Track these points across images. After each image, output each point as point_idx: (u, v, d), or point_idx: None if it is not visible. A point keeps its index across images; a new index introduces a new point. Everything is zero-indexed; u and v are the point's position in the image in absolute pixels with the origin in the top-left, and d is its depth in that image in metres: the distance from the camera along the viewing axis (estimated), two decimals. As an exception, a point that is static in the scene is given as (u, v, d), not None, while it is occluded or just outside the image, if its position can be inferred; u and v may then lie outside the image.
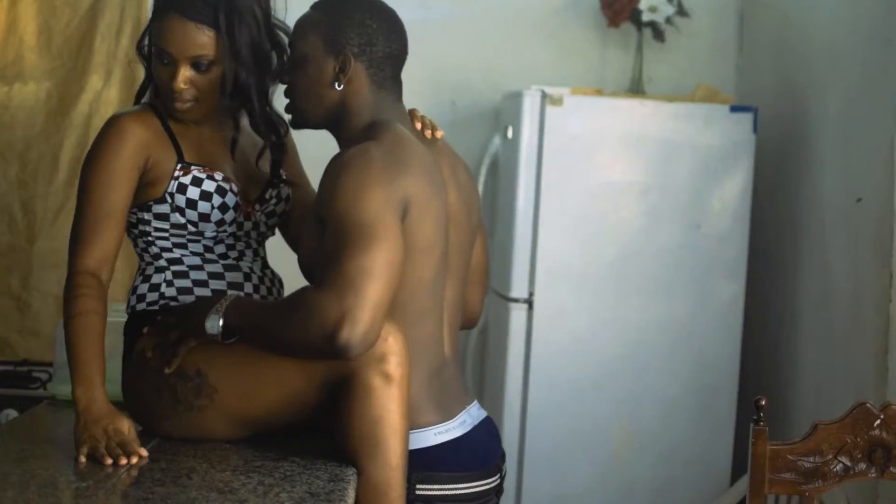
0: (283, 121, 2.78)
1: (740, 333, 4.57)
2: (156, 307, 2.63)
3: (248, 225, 2.73)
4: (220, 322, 2.43)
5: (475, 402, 2.74)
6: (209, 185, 2.63)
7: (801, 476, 2.71)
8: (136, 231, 2.69)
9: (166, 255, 2.66)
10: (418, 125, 2.74)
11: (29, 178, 4.74)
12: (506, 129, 4.71)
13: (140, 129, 2.62)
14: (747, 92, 5.04)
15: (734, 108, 4.52)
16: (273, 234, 2.86)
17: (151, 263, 2.67)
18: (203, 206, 2.63)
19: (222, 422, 2.49)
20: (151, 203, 2.63)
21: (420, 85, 5.06)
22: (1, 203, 4.89)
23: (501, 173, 4.83)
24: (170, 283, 2.64)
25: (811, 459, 2.71)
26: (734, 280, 4.55)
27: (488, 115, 5.12)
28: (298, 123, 2.71)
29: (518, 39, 5.15)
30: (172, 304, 2.62)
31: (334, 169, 2.44)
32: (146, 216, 2.65)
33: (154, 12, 2.67)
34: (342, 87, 2.61)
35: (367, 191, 2.37)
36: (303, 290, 2.37)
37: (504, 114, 4.88)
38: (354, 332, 2.27)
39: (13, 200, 4.85)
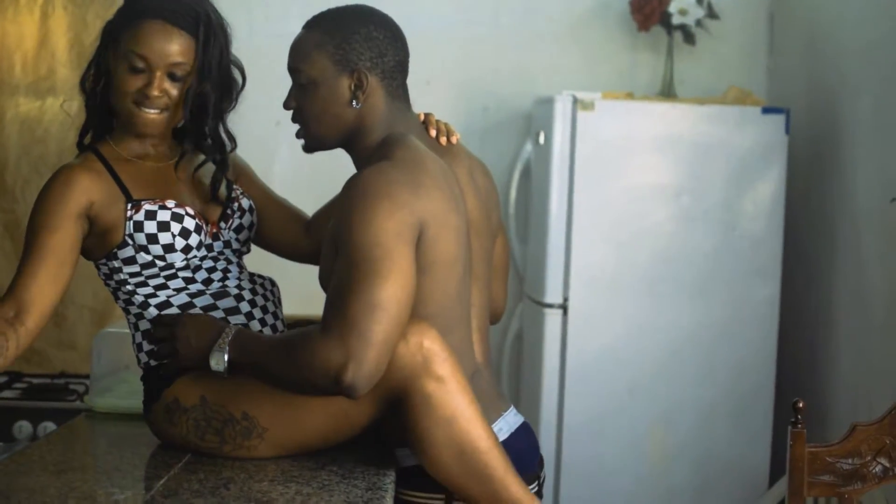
0: (234, 139, 2.78)
1: (776, 335, 4.55)
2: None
3: (218, 245, 2.70)
4: (226, 358, 2.43)
5: (511, 407, 2.73)
6: (164, 215, 2.60)
7: (840, 478, 2.71)
8: (113, 283, 2.66)
9: (152, 301, 2.61)
10: (433, 132, 2.72)
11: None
12: (538, 134, 4.71)
13: (82, 177, 2.58)
14: (779, 93, 5.03)
15: (766, 110, 4.51)
16: (248, 250, 2.83)
17: (142, 315, 2.62)
18: (164, 238, 2.59)
19: (271, 452, 2.49)
20: (115, 250, 2.60)
21: (452, 91, 5.12)
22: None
23: (534, 179, 4.83)
24: None
25: (850, 461, 2.70)
26: (769, 282, 4.53)
27: (520, 120, 5.12)
28: (313, 148, 2.67)
29: (549, 45, 5.15)
30: None
31: (349, 193, 2.40)
32: (116, 264, 2.61)
33: (126, 17, 2.63)
34: (360, 104, 2.57)
35: (378, 221, 2.33)
36: (307, 331, 2.35)
37: (536, 119, 4.88)
38: (359, 373, 2.26)
39: (48, 214, 4.87)
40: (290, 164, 5.01)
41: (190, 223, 2.62)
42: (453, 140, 2.74)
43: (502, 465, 2.39)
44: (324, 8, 2.66)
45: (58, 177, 2.59)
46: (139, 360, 2.65)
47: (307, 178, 4.82)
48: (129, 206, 2.59)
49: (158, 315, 2.60)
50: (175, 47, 2.60)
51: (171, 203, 2.62)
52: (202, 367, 2.47)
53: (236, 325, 2.55)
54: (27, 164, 4.91)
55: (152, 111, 2.62)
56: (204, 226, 2.66)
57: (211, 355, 2.44)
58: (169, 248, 2.60)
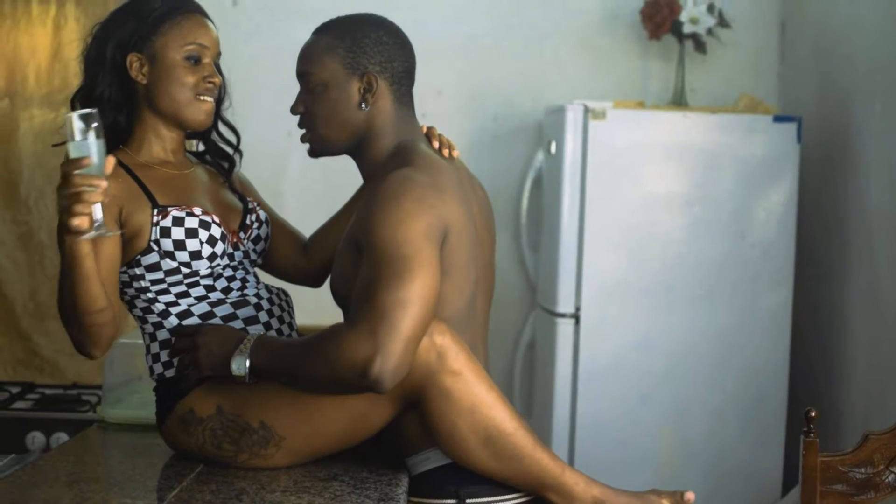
0: (237, 132, 2.86)
1: (788, 343, 4.54)
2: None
3: (238, 255, 2.71)
4: (248, 363, 2.43)
5: None
6: (191, 222, 2.60)
7: (853, 487, 2.70)
8: (131, 291, 2.63)
9: (174, 309, 2.60)
10: (436, 144, 2.73)
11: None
12: (549, 143, 4.71)
13: (110, 183, 2.51)
14: (790, 101, 5.02)
15: (777, 118, 4.50)
16: (261, 261, 2.84)
17: (161, 325, 2.61)
18: (192, 244, 2.58)
19: (287, 460, 2.50)
20: (139, 256, 2.59)
21: (462, 101, 5.12)
22: (49, 227, 4.93)
23: (545, 188, 4.83)
24: None
25: (862, 470, 2.69)
26: (781, 289, 4.53)
27: (531, 130, 5.12)
28: (319, 152, 2.68)
29: (559, 54, 5.16)
30: None
31: (376, 196, 2.43)
32: (138, 271, 2.60)
33: (161, 15, 2.65)
34: (368, 107, 2.60)
35: (407, 222, 2.37)
36: (332, 327, 2.36)
37: (547, 128, 4.88)
38: (386, 366, 2.26)
39: (62, 224, 4.89)
40: (302, 174, 5.02)
41: (217, 231, 2.63)
42: (454, 154, 2.75)
43: (530, 442, 2.44)
44: (334, 17, 2.68)
45: None
46: (152, 371, 2.64)
47: (318, 188, 4.84)
48: (156, 211, 2.58)
49: (179, 325, 2.60)
50: (216, 37, 2.70)
51: (198, 210, 2.62)
52: (223, 375, 2.47)
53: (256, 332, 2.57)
54: (41, 176, 4.93)
55: (210, 99, 2.68)
56: (228, 235, 2.68)
57: (232, 360, 2.44)
58: (196, 255, 2.60)
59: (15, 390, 4.20)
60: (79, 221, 2.26)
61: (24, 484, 2.38)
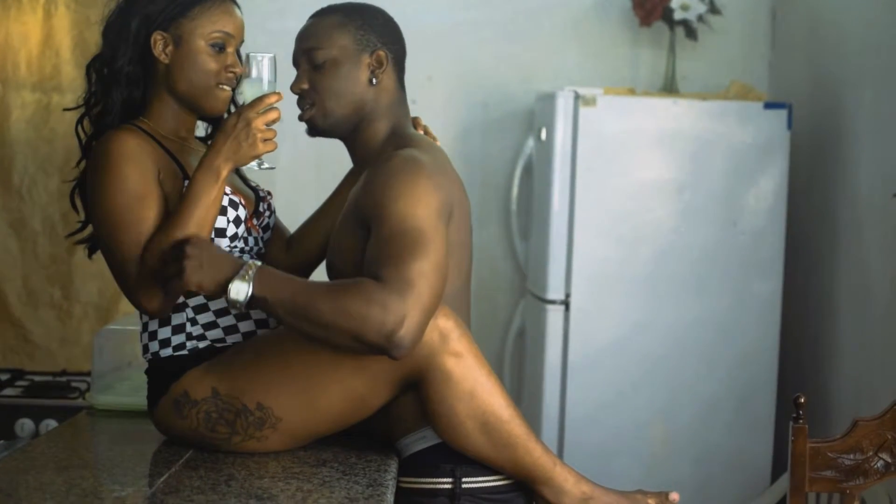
0: None
1: (778, 331, 4.55)
2: (184, 352, 2.55)
3: (251, 240, 2.68)
4: (249, 291, 2.35)
5: None
6: (223, 200, 2.56)
7: (842, 474, 2.70)
8: None
9: None
10: (420, 131, 2.77)
11: (68, 190, 4.78)
12: (539, 130, 4.72)
13: (144, 143, 2.53)
14: (781, 88, 5.03)
15: (768, 105, 4.50)
16: (264, 251, 2.78)
17: None
18: (220, 221, 2.55)
19: (280, 442, 2.50)
20: None
21: (452, 87, 5.13)
22: (42, 214, 4.93)
23: (536, 175, 4.83)
24: (193, 322, 2.56)
25: (851, 457, 2.70)
26: (771, 277, 4.53)
27: (521, 116, 5.12)
28: (320, 129, 2.68)
29: (550, 40, 5.16)
30: (201, 345, 2.55)
31: (386, 174, 2.46)
32: None
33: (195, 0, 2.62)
34: (377, 83, 2.64)
35: (421, 198, 2.41)
36: (362, 281, 2.31)
37: (537, 115, 4.89)
38: (409, 332, 2.28)
39: (54, 212, 4.90)
40: (294, 162, 5.02)
41: (242, 213, 2.62)
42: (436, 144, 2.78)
43: (524, 431, 2.48)
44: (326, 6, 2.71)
45: (117, 144, 2.51)
46: (147, 350, 2.59)
47: (310, 177, 4.84)
48: (187, 182, 2.52)
49: (183, 303, 2.54)
50: (241, 25, 2.69)
51: (228, 189, 2.59)
52: (210, 294, 2.42)
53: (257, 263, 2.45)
54: (34, 164, 4.93)
55: (229, 88, 2.65)
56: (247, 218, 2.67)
57: (231, 284, 2.35)
58: (220, 232, 2.57)
59: (4, 377, 4.20)
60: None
61: (13, 470, 2.37)
